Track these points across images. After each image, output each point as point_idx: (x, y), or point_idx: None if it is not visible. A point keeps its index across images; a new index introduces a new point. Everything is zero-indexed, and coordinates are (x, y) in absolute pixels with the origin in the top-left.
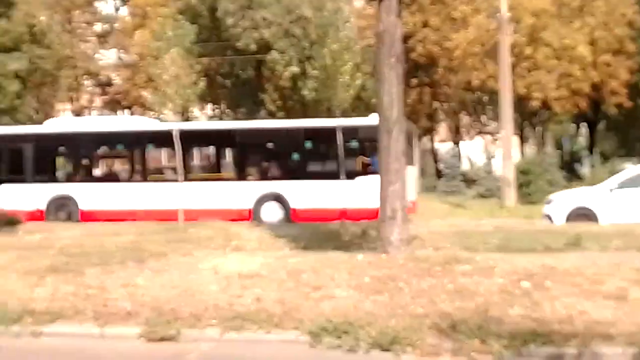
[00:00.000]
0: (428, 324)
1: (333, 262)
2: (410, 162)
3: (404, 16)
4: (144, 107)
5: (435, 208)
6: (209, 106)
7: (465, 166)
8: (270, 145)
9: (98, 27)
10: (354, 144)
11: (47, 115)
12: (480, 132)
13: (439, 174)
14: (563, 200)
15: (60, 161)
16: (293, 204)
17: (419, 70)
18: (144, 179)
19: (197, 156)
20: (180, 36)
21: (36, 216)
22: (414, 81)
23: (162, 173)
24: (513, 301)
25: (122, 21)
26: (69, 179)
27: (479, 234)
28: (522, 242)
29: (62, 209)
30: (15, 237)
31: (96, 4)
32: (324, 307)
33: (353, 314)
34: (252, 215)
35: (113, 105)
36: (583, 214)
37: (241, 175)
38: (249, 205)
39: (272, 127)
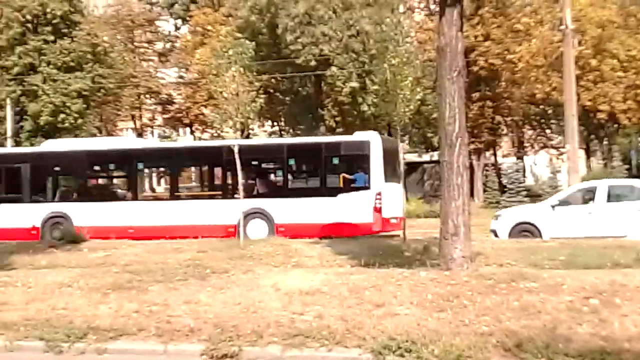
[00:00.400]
0: (493, 343)
1: (395, 279)
2: (398, 179)
3: (466, 29)
4: (205, 125)
5: None
6: (269, 123)
7: (529, 181)
8: (255, 162)
9: (159, 45)
10: (336, 161)
11: (110, 134)
12: (544, 146)
13: (502, 189)
14: (508, 216)
15: (55, 180)
16: (277, 220)
17: (481, 83)
18: (135, 197)
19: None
20: (240, 54)
21: (32, 234)
22: (476, 95)
23: (153, 191)
24: (581, 319)
25: (183, 40)
26: (64, 197)
27: (544, 250)
28: (589, 258)
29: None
30: (79, 255)
31: (157, 23)
32: (386, 325)
33: (416, 331)
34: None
35: (174, 123)
36: (526, 230)
37: (227, 193)
38: (234, 221)
39: (257, 145)
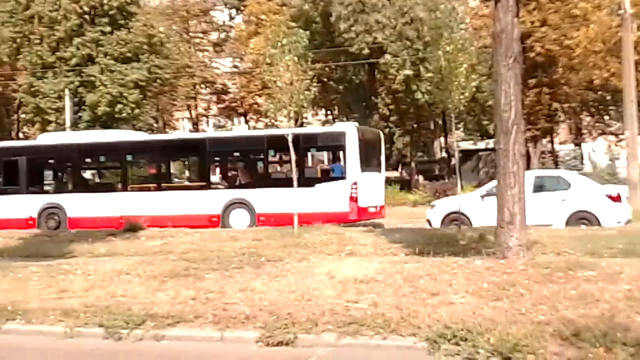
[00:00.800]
0: (550, 332)
1: (450, 268)
2: (378, 168)
3: (522, 15)
4: (259, 114)
5: None
6: (322, 112)
7: (587, 168)
8: (236, 154)
9: (214, 35)
10: (314, 152)
11: (166, 124)
12: (602, 133)
13: None
14: (441, 206)
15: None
16: (258, 210)
17: (537, 70)
18: (124, 188)
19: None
20: (294, 43)
21: (29, 224)
22: (532, 81)
23: (143, 182)
24: None
25: (237, 29)
26: (58, 189)
27: (602, 238)
28: None
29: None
30: (137, 243)
31: (212, 13)
32: (441, 313)
33: (472, 320)
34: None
35: (229, 113)
36: (457, 219)
37: (209, 184)
38: (217, 211)
39: (235, 137)
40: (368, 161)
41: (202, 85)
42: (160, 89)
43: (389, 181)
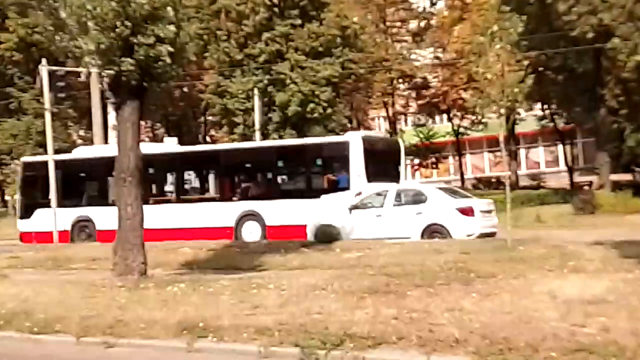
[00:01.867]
0: None
1: None
2: (395, 179)
3: None
4: (464, 111)
5: None
6: (538, 106)
7: None
8: (247, 165)
9: (413, 24)
10: (320, 162)
11: (360, 123)
12: None
13: None
14: (313, 219)
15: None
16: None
17: None
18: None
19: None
20: (506, 29)
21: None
22: None
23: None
24: None
25: (439, 16)
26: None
27: None
28: None
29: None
30: (332, 255)
31: None
32: None
33: None
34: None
35: (430, 110)
36: (326, 231)
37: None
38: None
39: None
40: (379, 171)
41: (400, 80)
42: (354, 86)
43: (619, 185)
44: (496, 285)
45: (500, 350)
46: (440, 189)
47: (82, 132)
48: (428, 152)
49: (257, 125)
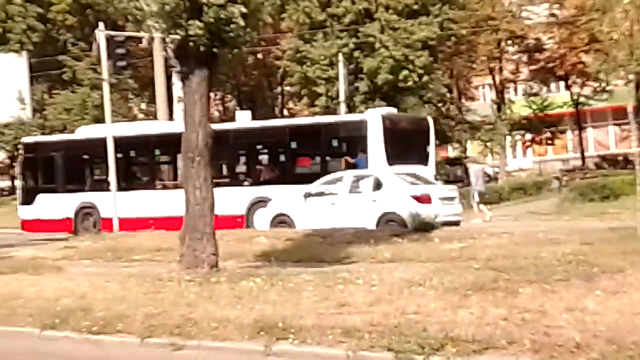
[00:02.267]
0: None
1: None
2: (424, 161)
3: None
4: (585, 77)
5: None
6: None
7: None
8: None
9: None
10: (336, 143)
11: (462, 93)
12: None
13: None
14: (270, 208)
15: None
16: None
17: None
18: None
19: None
20: None
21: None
22: None
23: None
24: None
25: None
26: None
27: None
28: None
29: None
30: (430, 246)
31: None
32: None
33: None
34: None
35: (544, 76)
36: (283, 221)
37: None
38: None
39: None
40: (402, 153)
41: (509, 42)
42: (455, 49)
43: None
44: (624, 282)
45: (630, 357)
46: (398, 174)
47: (143, 106)
48: (542, 126)
49: (341, 96)
